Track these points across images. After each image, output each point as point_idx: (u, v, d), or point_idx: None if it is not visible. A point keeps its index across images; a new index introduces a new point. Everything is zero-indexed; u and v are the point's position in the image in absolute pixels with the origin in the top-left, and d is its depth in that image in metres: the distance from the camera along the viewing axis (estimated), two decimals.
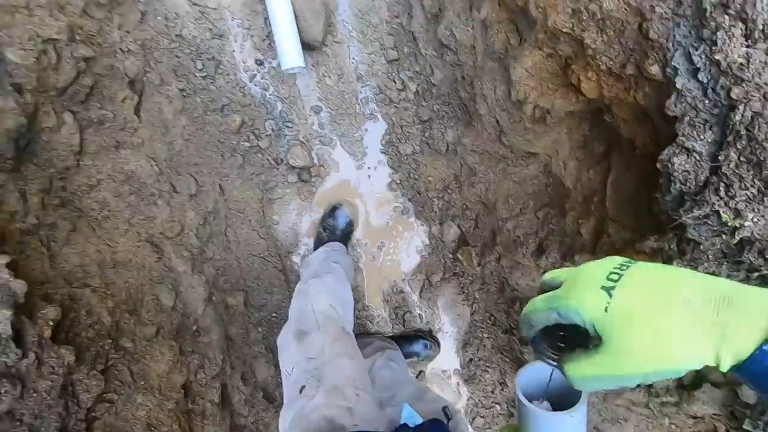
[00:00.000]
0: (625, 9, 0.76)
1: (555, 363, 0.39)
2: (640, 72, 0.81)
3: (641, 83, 0.84)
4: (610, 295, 0.33)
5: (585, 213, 1.21)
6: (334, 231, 1.62)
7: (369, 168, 1.73)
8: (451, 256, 1.77)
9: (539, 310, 0.37)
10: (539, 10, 0.95)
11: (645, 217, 0.95)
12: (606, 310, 0.33)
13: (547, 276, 0.40)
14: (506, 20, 1.12)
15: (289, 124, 1.65)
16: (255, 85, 1.58)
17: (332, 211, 1.65)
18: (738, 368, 0.30)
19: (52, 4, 1.04)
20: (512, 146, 1.37)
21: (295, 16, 1.42)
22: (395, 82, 1.65)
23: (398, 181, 1.74)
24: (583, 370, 0.35)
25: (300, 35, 1.45)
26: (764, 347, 0.29)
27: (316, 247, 1.61)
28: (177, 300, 1.35)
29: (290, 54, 1.38)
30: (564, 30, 0.88)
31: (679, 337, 0.31)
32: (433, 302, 1.80)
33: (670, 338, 0.31)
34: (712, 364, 0.31)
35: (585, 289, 0.34)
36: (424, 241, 1.77)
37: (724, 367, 0.31)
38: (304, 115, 1.66)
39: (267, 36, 1.55)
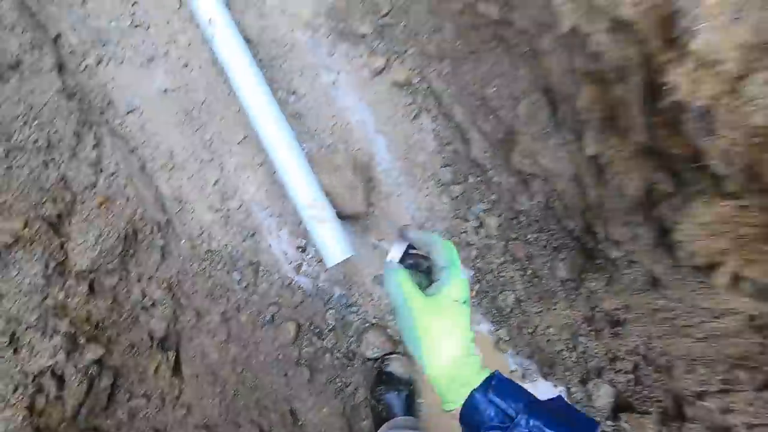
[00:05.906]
0: None
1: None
2: None
3: None
4: None
5: None
6: (393, 401, 1.19)
7: None
8: (611, 425, 1.26)
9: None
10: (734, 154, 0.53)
11: None
12: None
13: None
14: (642, 162, 0.72)
15: (354, 308, 1.32)
16: (303, 276, 1.30)
17: (380, 374, 1.22)
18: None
19: (45, 322, 0.82)
20: (682, 300, 0.90)
21: (328, 197, 1.13)
22: (468, 221, 1.28)
23: (506, 338, 1.31)
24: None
25: (339, 215, 1.15)
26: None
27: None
28: None
29: (332, 249, 1.07)
30: None
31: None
32: None
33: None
34: None
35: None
36: None
37: None
38: (367, 291, 1.34)
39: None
